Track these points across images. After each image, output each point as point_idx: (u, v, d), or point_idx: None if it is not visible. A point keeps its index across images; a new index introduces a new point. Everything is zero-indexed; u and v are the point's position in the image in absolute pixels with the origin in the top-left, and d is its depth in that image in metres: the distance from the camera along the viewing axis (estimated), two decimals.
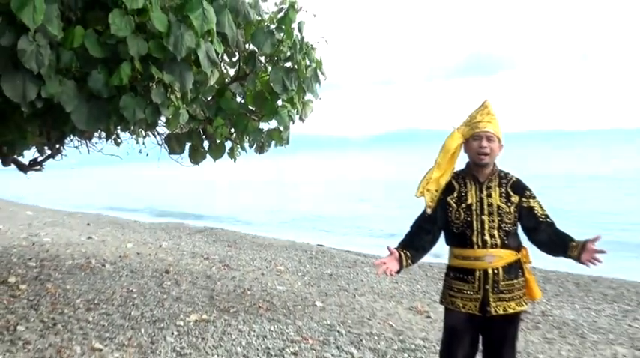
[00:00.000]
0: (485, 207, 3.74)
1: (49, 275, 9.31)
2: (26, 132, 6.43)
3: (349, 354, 6.02)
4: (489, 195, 3.77)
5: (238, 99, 7.26)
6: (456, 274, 3.84)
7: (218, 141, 7.60)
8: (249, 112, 7.21)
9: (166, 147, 7.73)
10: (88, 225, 19.64)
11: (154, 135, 8.29)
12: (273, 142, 7.72)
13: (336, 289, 9.95)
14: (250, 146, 8.02)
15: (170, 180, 51.45)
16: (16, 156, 9.00)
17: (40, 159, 9.55)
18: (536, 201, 3.84)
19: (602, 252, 3.53)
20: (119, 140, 9.25)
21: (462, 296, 3.79)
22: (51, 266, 10.19)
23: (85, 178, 64.88)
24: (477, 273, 3.73)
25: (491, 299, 3.71)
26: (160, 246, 14.66)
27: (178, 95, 5.49)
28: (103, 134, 8.30)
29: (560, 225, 3.84)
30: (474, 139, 3.78)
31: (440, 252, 4.08)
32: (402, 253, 3.79)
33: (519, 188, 3.83)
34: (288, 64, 6.62)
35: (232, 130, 7.58)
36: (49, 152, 9.38)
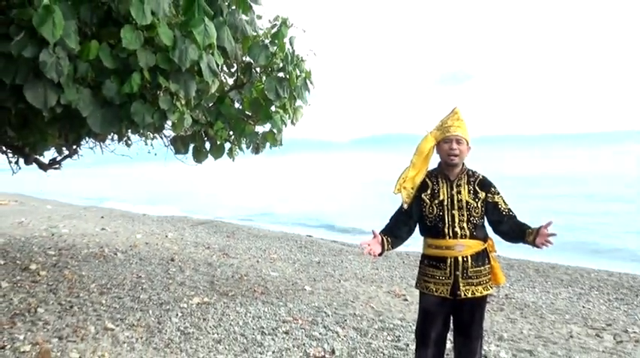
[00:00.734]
0: (456, 202, 3.77)
1: (67, 263, 9.28)
2: (46, 135, 6.41)
3: (335, 333, 6.03)
4: (459, 192, 3.79)
5: (236, 105, 7.26)
6: (430, 262, 3.86)
7: (218, 142, 7.62)
8: (246, 117, 7.22)
9: (172, 148, 7.74)
10: (102, 217, 19.55)
11: (161, 137, 8.29)
12: (267, 144, 7.73)
13: (323, 275, 9.96)
14: (247, 147, 8.03)
15: (178, 178, 51.39)
16: (37, 156, 8.97)
17: (58, 158, 9.53)
18: (500, 196, 3.87)
19: (553, 235, 3.57)
20: (130, 142, 9.23)
21: (434, 281, 3.81)
22: (68, 254, 10.15)
23: (99, 176, 64.58)
24: (449, 261, 3.75)
25: (461, 284, 3.73)
26: (166, 236, 14.62)
27: (183, 102, 5.50)
28: (116, 136, 8.27)
29: None
30: (445, 142, 3.80)
31: (408, 242, 4.09)
32: (384, 238, 3.81)
33: (485, 185, 3.86)
34: (281, 74, 6.63)
35: (231, 133, 7.59)
36: (66, 152, 9.35)
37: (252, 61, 6.50)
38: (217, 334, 5.86)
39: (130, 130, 7.41)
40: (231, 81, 7.25)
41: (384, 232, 3.90)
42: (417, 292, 4.04)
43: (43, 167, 9.49)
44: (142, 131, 7.56)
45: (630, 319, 7.79)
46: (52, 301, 6.81)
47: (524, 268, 11.58)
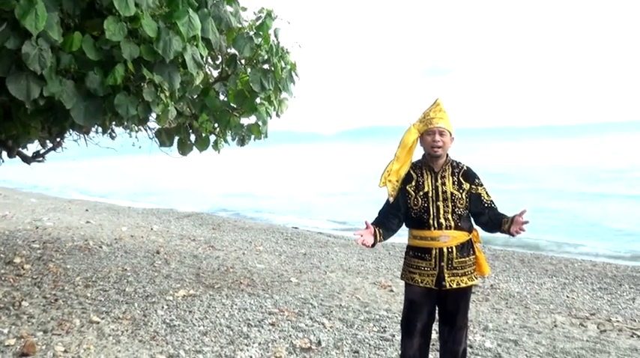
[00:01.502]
0: (440, 194, 3.78)
1: (51, 256, 9.23)
2: (30, 128, 6.35)
3: (321, 324, 6.05)
4: (444, 183, 3.81)
5: (221, 97, 7.23)
6: (415, 253, 3.87)
7: (203, 134, 7.60)
8: (231, 109, 7.19)
9: (157, 140, 7.69)
10: (87, 210, 19.46)
11: (145, 129, 8.24)
12: (252, 136, 7.72)
13: (310, 266, 9.98)
14: (232, 139, 8.02)
15: (164, 171, 51.21)
16: (20, 149, 8.90)
17: (42, 151, 9.47)
18: (484, 188, 3.89)
19: (526, 222, 3.60)
20: (114, 134, 9.18)
21: (420, 272, 3.83)
22: (52, 247, 10.10)
23: (83, 169, 64.18)
24: (434, 252, 3.77)
25: (446, 275, 3.76)
26: (152, 229, 14.58)
27: (167, 94, 5.47)
28: (100, 129, 8.22)
29: None
30: (428, 134, 3.81)
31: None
32: (376, 229, 3.82)
33: (469, 176, 3.87)
34: (266, 66, 6.61)
35: (216, 125, 7.57)
36: (50, 145, 9.29)
37: (236, 53, 6.48)
38: (203, 326, 5.86)
39: (114, 122, 7.36)
40: (215, 73, 7.22)
41: (375, 224, 3.90)
42: (402, 283, 4.06)
43: (27, 160, 9.42)
44: (126, 123, 7.52)
45: (613, 308, 7.87)
46: (37, 294, 6.78)
47: (510, 258, 11.67)
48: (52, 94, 4.52)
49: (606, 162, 45.92)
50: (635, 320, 7.22)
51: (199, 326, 5.87)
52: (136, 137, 9.36)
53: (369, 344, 5.42)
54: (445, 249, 3.76)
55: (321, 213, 23.15)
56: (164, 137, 7.54)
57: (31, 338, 5.14)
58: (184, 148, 7.65)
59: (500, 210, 3.88)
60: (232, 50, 6.55)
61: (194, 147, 7.71)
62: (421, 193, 3.82)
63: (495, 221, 3.80)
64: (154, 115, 6.24)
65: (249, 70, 6.69)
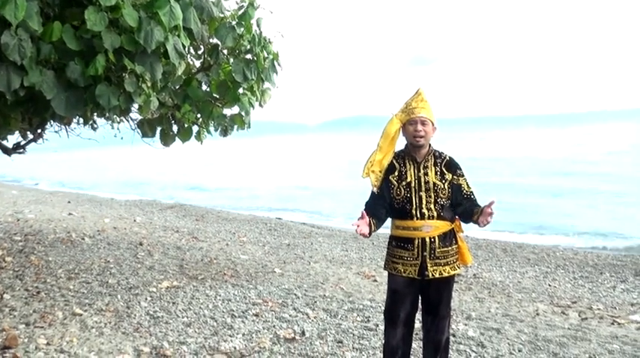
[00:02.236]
0: (423, 184, 3.79)
1: (33, 248, 9.17)
2: (10, 119, 6.29)
3: (305, 315, 6.07)
4: (426, 174, 3.82)
5: (204, 87, 7.20)
6: (398, 243, 3.88)
7: (186, 125, 7.56)
8: (213, 99, 7.16)
9: (139, 131, 7.65)
10: (69, 202, 19.34)
11: (127, 120, 8.19)
12: (235, 126, 7.69)
13: (293, 257, 10.00)
14: (215, 130, 7.98)
15: (144, 162, 50.94)
16: (0, 141, 8.82)
17: (22, 143, 9.37)
18: (464, 179, 3.90)
19: (491, 213, 3.63)
20: (96, 125, 9.13)
21: (402, 262, 3.84)
22: (34, 240, 10.03)
23: (65, 161, 63.70)
24: (416, 242, 3.78)
25: (428, 265, 3.77)
26: (135, 220, 14.52)
27: (149, 84, 5.43)
28: (81, 120, 8.16)
29: None
30: (410, 124, 3.81)
31: None
32: (370, 220, 3.83)
33: (452, 166, 3.88)
34: (248, 56, 6.58)
35: (199, 116, 7.53)
36: (31, 136, 9.21)
37: (219, 43, 6.45)
38: (187, 317, 5.85)
39: (95, 113, 7.30)
40: (198, 63, 7.19)
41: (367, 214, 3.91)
42: (386, 273, 4.07)
43: (7, 152, 9.33)
44: (107, 114, 7.46)
45: (595, 296, 7.97)
46: (19, 287, 6.73)
47: (492, 248, 11.76)
48: (33, 85, 4.48)
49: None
50: (615, 308, 7.31)
51: (183, 317, 5.86)
52: (118, 128, 9.33)
53: (353, 334, 5.45)
54: (428, 239, 3.77)
55: (304, 204, 23.18)
56: (146, 128, 7.50)
57: (13, 331, 5.11)
58: (167, 139, 7.61)
59: (479, 201, 3.90)
60: (214, 40, 6.51)
61: (176, 138, 7.67)
62: (404, 183, 3.83)
63: (469, 211, 3.82)
64: (135, 106, 6.21)
65: (231, 60, 6.66)
